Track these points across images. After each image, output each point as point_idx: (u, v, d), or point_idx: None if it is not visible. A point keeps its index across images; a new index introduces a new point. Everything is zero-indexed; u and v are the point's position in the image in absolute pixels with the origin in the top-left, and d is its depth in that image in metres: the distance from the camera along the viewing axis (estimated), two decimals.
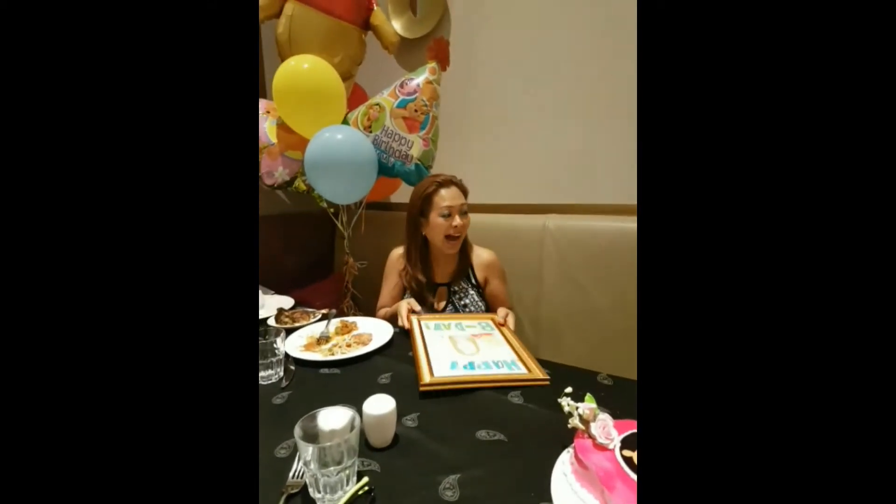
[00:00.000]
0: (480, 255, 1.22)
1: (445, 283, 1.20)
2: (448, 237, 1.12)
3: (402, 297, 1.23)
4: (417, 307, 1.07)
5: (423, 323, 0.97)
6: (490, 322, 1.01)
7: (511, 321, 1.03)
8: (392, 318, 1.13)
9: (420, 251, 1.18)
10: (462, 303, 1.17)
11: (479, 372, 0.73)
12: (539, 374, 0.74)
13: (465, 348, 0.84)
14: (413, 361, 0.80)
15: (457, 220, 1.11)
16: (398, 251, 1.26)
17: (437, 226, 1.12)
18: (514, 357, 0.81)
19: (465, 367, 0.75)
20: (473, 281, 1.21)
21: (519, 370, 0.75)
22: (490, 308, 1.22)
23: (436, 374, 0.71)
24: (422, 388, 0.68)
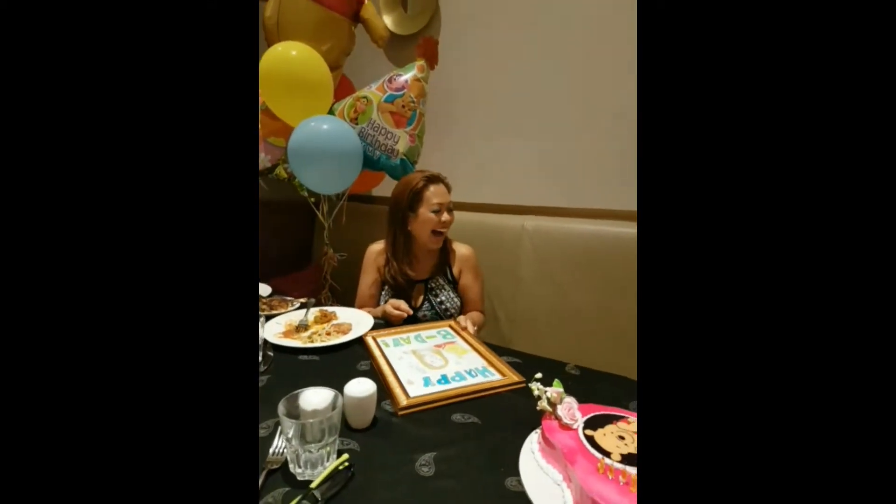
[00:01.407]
0: (458, 250, 1.26)
1: (423, 280, 1.22)
2: (434, 232, 1.15)
3: (380, 293, 1.24)
4: (405, 307, 1.08)
5: (379, 340, 0.92)
6: (449, 329, 1.00)
7: (471, 328, 1.00)
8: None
9: (404, 246, 1.20)
10: (438, 299, 1.20)
11: (455, 385, 0.73)
12: (513, 377, 0.76)
13: (432, 361, 0.83)
14: (382, 382, 0.74)
15: (445, 216, 1.15)
16: (377, 246, 1.27)
17: (425, 221, 1.14)
18: (484, 363, 0.82)
19: (438, 381, 0.75)
20: (450, 277, 1.24)
21: (493, 377, 0.77)
22: (463, 303, 1.25)
23: (411, 394, 0.70)
24: (400, 413, 0.66)
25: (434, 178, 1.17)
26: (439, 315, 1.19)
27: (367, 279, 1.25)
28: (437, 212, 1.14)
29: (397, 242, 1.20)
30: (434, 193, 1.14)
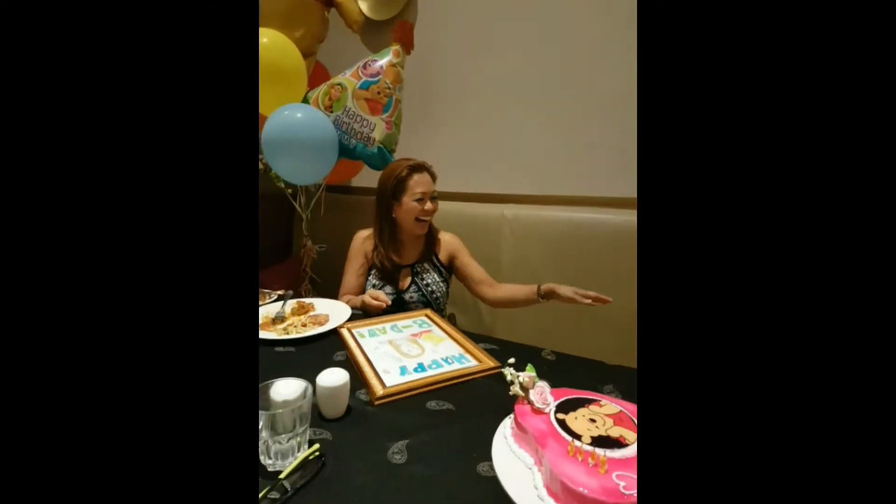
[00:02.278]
0: (443, 238, 1.28)
1: (409, 265, 1.24)
2: (418, 219, 1.18)
3: (366, 279, 1.25)
4: (384, 297, 1.07)
5: (354, 332, 0.91)
6: (425, 318, 1.01)
7: (571, 291, 0.99)
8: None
9: (389, 232, 1.22)
10: (424, 282, 1.22)
11: (431, 372, 0.73)
12: (489, 363, 0.77)
13: (409, 350, 0.83)
14: (357, 372, 0.74)
15: (428, 205, 1.16)
16: (364, 233, 1.29)
17: (409, 209, 1.16)
18: (461, 350, 0.83)
19: (415, 369, 0.75)
20: (436, 262, 1.26)
21: (469, 363, 0.77)
22: (469, 285, 1.27)
23: (388, 384, 0.69)
24: (377, 402, 0.66)
25: (418, 167, 1.18)
26: (426, 297, 1.20)
27: (354, 265, 1.26)
28: (420, 200, 1.15)
29: (383, 229, 1.22)
30: (417, 182, 1.16)
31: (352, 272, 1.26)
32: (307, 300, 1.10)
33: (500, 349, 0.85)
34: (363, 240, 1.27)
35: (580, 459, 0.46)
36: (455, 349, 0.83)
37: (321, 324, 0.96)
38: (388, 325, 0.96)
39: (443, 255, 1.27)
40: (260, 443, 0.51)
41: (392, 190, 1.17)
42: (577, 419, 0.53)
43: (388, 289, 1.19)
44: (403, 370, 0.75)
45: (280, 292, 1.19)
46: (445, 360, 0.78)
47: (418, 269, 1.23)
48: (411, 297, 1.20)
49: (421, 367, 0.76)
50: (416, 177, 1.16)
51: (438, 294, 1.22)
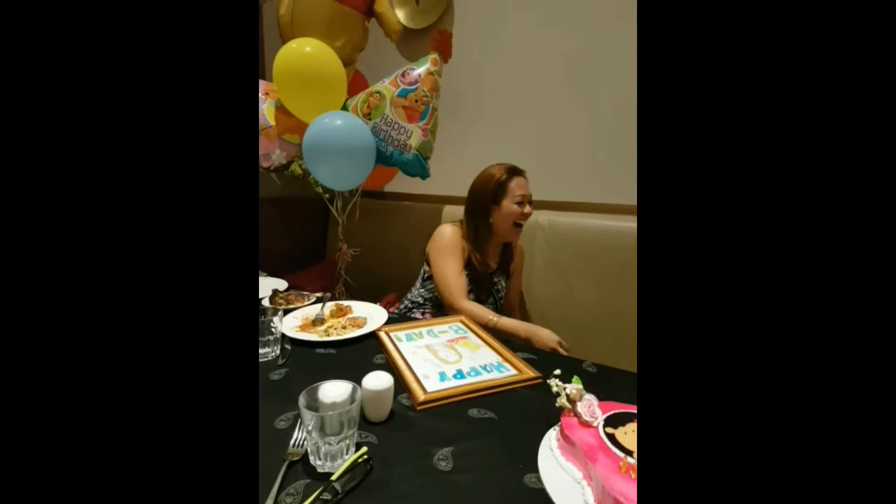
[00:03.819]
0: (519, 248, 1.32)
1: (489, 273, 1.25)
2: (516, 224, 1.18)
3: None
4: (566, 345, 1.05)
5: (392, 335, 0.92)
6: (460, 324, 1.00)
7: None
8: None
9: (483, 238, 1.19)
10: (496, 289, 1.26)
11: (471, 380, 0.73)
12: (528, 372, 0.76)
13: (446, 356, 0.83)
14: (398, 376, 0.74)
15: (527, 208, 1.17)
16: (450, 227, 1.21)
17: (509, 212, 1.16)
18: (499, 358, 0.82)
19: (454, 376, 0.75)
20: (507, 270, 1.29)
21: (508, 371, 0.77)
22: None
23: (428, 389, 0.70)
24: (419, 408, 0.66)
25: (516, 170, 1.18)
26: (497, 305, 1.23)
27: (457, 262, 1.16)
28: (521, 203, 1.16)
29: (478, 235, 1.19)
30: (518, 185, 1.17)
31: (456, 269, 1.15)
32: (345, 303, 1.12)
33: (539, 359, 0.84)
34: (459, 237, 1.19)
35: (633, 476, 0.45)
36: (493, 357, 0.83)
37: (360, 326, 0.97)
38: (424, 330, 0.96)
39: (513, 265, 1.30)
40: (310, 444, 0.52)
41: (492, 194, 1.15)
42: (626, 434, 0.52)
43: (471, 296, 1.17)
44: (443, 376, 0.75)
45: (318, 294, 1.21)
46: (484, 368, 0.78)
47: (495, 279, 1.26)
48: (489, 304, 1.22)
49: (460, 374, 0.76)
50: (516, 180, 1.16)
51: (503, 302, 1.26)
